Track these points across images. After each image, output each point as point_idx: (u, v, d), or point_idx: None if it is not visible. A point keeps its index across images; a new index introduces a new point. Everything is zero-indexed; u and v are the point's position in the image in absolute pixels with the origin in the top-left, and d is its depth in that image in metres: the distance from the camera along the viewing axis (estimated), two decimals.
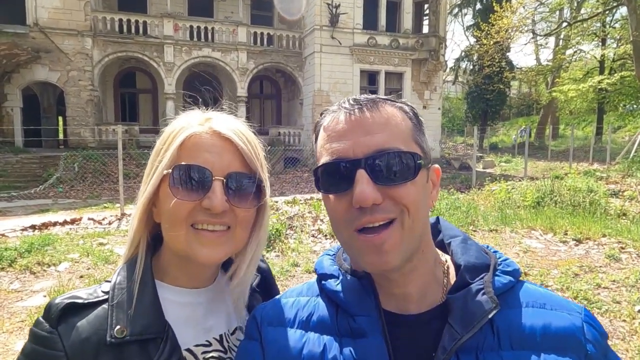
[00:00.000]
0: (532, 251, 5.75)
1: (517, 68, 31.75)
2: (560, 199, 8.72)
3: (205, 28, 20.26)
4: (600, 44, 28.10)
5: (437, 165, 0.76)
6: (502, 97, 29.94)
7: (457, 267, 0.74)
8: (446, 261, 0.78)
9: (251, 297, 0.95)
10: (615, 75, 22.96)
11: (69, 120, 18.55)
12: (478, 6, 31.78)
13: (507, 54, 26.77)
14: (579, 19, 22.96)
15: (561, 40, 30.27)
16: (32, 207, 10.99)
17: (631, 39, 16.73)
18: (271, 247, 6.19)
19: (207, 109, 0.87)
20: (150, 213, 0.85)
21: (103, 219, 8.61)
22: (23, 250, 5.57)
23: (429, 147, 0.73)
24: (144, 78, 22.77)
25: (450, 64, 36.47)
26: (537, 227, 6.82)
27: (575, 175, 13.36)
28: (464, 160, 22.50)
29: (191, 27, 20.09)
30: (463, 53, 35.72)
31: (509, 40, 19.80)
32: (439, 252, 0.79)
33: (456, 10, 37.32)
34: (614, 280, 4.54)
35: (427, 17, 23.48)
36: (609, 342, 0.71)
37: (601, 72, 26.47)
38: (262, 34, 21.19)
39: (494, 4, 18.52)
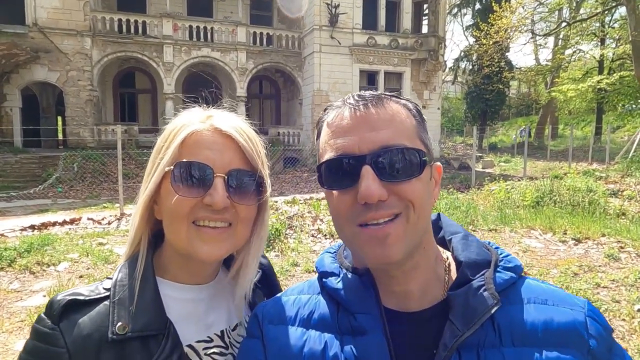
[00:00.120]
0: (531, 251, 5.76)
1: (517, 68, 31.76)
2: (560, 199, 8.74)
3: (205, 28, 20.26)
4: (600, 43, 28.13)
5: (439, 163, 0.76)
6: (502, 97, 29.96)
7: (458, 263, 0.74)
8: (447, 258, 0.78)
9: (252, 292, 0.95)
10: (615, 75, 22.97)
11: (68, 120, 18.53)
12: (477, 6, 31.80)
13: (507, 54, 26.79)
14: (578, 19, 22.99)
15: (560, 40, 30.28)
16: (31, 207, 10.99)
17: (630, 39, 16.74)
18: (271, 247, 6.19)
19: (208, 107, 0.88)
20: (152, 210, 0.85)
21: (102, 219, 8.60)
22: (22, 250, 5.57)
23: (432, 145, 0.73)
24: (143, 78, 22.76)
25: (450, 64, 36.47)
26: (537, 227, 6.83)
27: (575, 175, 13.38)
28: (463, 160, 22.51)
29: (190, 27, 20.08)
30: (462, 53, 35.74)
31: (508, 40, 19.80)
32: (440, 248, 0.79)
33: (455, 10, 37.36)
34: (613, 280, 4.54)
35: (426, 17, 23.49)
36: None
37: (600, 72, 26.49)
38: (261, 34, 21.19)
39: (493, 4, 18.52)
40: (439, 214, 0.87)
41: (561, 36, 28.83)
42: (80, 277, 4.99)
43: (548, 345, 0.64)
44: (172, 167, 0.78)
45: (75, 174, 14.70)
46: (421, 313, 0.71)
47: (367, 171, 0.64)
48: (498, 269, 0.72)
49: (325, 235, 6.94)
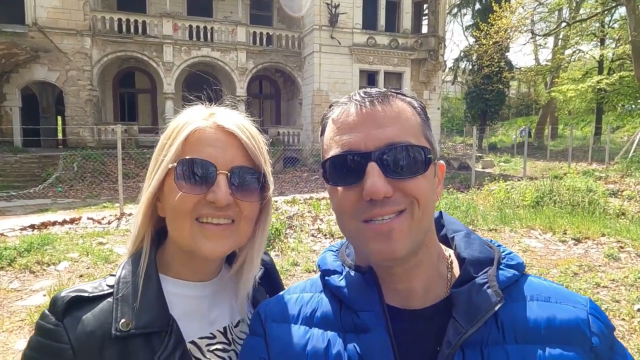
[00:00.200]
0: (531, 250, 5.76)
1: (516, 68, 31.78)
2: (560, 199, 8.74)
3: (205, 28, 20.26)
4: (599, 44, 28.14)
5: (442, 162, 0.77)
6: (501, 97, 29.97)
7: (461, 261, 0.74)
8: (449, 255, 0.78)
9: (255, 289, 0.96)
10: (614, 75, 22.97)
11: (68, 120, 18.53)
12: (477, 6, 31.81)
13: (506, 54, 26.79)
14: (577, 19, 23.00)
15: (560, 41, 30.29)
16: (31, 206, 10.99)
17: (630, 39, 16.76)
18: (271, 247, 6.20)
19: (211, 105, 0.88)
20: (155, 208, 0.85)
21: (102, 219, 8.60)
22: (22, 250, 5.57)
23: (436, 143, 0.74)
24: (143, 78, 22.76)
25: (450, 64, 36.50)
26: (537, 227, 6.83)
27: (574, 175, 13.38)
28: (463, 160, 22.51)
29: (190, 26, 20.08)
30: (462, 53, 35.76)
31: (508, 40, 19.81)
32: (442, 246, 0.79)
33: (455, 10, 37.38)
34: (613, 279, 4.55)
35: (426, 17, 23.49)
36: None
37: (600, 72, 26.49)
38: (261, 33, 21.19)
39: (493, 4, 18.53)
40: (440, 212, 0.87)
41: (561, 36, 28.84)
42: (81, 276, 4.99)
43: (551, 343, 0.64)
44: (175, 164, 0.79)
45: (75, 173, 14.69)
46: (424, 310, 0.71)
47: (372, 168, 0.65)
48: (501, 267, 0.72)
49: (325, 235, 6.94)
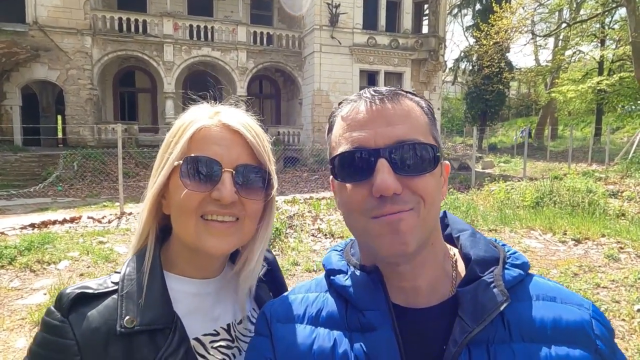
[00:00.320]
0: (531, 251, 5.77)
1: (517, 69, 31.79)
2: (560, 199, 8.75)
3: (205, 27, 20.26)
4: (600, 45, 28.13)
5: (447, 162, 0.77)
6: (501, 98, 29.98)
7: (466, 260, 0.74)
8: (454, 254, 0.78)
9: (258, 287, 0.96)
10: (614, 76, 22.97)
11: (68, 119, 18.53)
12: (478, 7, 31.83)
13: (507, 54, 26.81)
14: (578, 19, 23.01)
15: (560, 41, 30.32)
16: (31, 205, 10.99)
17: (630, 40, 16.77)
18: (271, 246, 6.20)
19: (215, 103, 0.89)
20: (160, 205, 0.86)
21: (103, 218, 8.60)
22: (23, 249, 5.57)
23: (442, 143, 0.74)
24: (143, 77, 22.76)
25: (450, 64, 36.51)
26: (537, 227, 6.84)
27: (574, 175, 13.38)
28: (463, 160, 22.52)
29: (191, 26, 20.08)
30: (462, 53, 35.76)
31: (509, 40, 19.82)
32: (447, 245, 0.80)
33: (456, 10, 37.39)
34: (613, 280, 4.55)
35: (426, 18, 23.50)
36: None
37: (600, 73, 26.48)
38: (261, 33, 21.19)
39: (494, 5, 18.54)
40: (444, 212, 0.87)
41: (561, 37, 28.86)
42: (81, 275, 5.00)
43: (557, 342, 0.65)
44: (180, 161, 0.79)
45: (75, 172, 14.69)
46: (430, 309, 0.71)
47: (382, 164, 0.65)
48: (506, 266, 0.72)
49: (326, 234, 6.94)
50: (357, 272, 0.75)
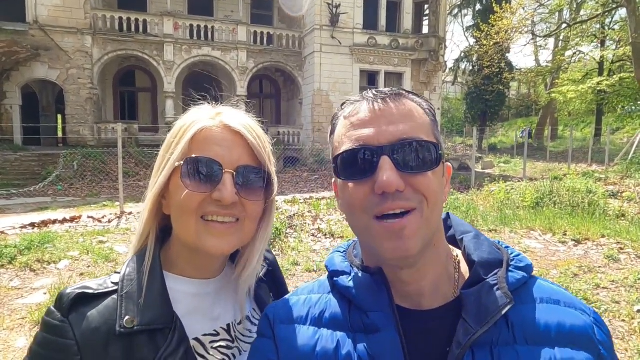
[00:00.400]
0: (531, 251, 5.77)
1: (517, 69, 31.77)
2: (560, 200, 8.75)
3: (205, 27, 20.26)
4: (600, 45, 28.13)
5: (449, 164, 0.77)
6: (502, 98, 29.98)
7: (470, 262, 0.74)
8: (457, 256, 0.78)
9: (258, 287, 0.97)
10: (614, 76, 22.99)
11: (68, 119, 18.53)
12: (478, 7, 31.83)
13: (507, 55, 26.80)
14: (578, 20, 23.03)
15: (560, 42, 30.32)
16: (31, 205, 10.99)
17: (630, 41, 16.77)
18: (271, 246, 6.20)
19: (217, 104, 0.89)
20: (160, 205, 0.86)
21: (103, 217, 8.60)
22: (23, 248, 5.57)
23: (443, 144, 0.74)
24: (143, 77, 22.76)
25: (450, 64, 36.51)
26: (537, 228, 6.84)
27: (574, 176, 13.39)
28: (463, 160, 22.52)
29: (191, 25, 20.08)
30: (463, 54, 35.78)
31: (509, 41, 19.82)
32: (450, 247, 0.80)
33: (456, 10, 37.40)
34: (613, 281, 4.55)
35: (427, 18, 23.51)
36: None
37: (600, 74, 26.49)
38: (262, 33, 21.19)
39: (494, 5, 18.54)
40: (448, 213, 0.87)
41: (561, 38, 28.87)
42: (81, 274, 5.00)
43: (561, 345, 0.65)
44: (182, 162, 0.79)
45: (75, 172, 14.69)
46: (433, 311, 0.71)
47: (385, 161, 0.65)
48: (510, 269, 0.72)
49: (326, 234, 6.94)
50: (361, 274, 0.75)
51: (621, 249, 5.66)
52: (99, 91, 19.49)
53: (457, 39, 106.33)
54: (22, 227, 7.56)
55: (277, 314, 0.80)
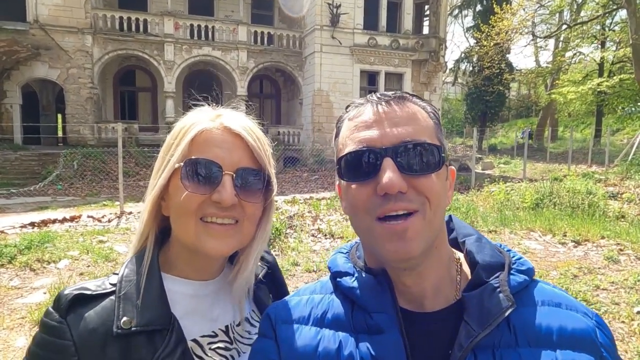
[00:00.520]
0: (531, 252, 5.77)
1: (517, 70, 31.81)
2: (559, 201, 8.75)
3: (206, 27, 20.26)
4: (600, 46, 28.14)
5: (453, 167, 0.77)
6: (502, 99, 29.99)
7: (472, 265, 0.74)
8: (459, 258, 0.78)
9: (257, 288, 0.97)
10: (615, 78, 23.00)
11: (69, 118, 18.53)
12: (478, 8, 31.86)
13: (507, 55, 26.81)
14: (578, 21, 23.04)
15: (561, 43, 30.33)
16: (31, 204, 10.98)
17: (631, 42, 16.76)
18: (271, 246, 6.19)
19: (217, 106, 0.89)
20: (159, 207, 0.86)
21: (102, 217, 8.60)
22: (23, 247, 5.57)
23: (447, 147, 0.75)
24: (143, 76, 22.76)
25: (450, 65, 36.55)
26: (536, 229, 6.84)
27: (574, 177, 13.38)
28: (463, 161, 22.51)
29: (191, 25, 20.08)
30: (463, 54, 35.80)
31: (509, 42, 19.82)
32: (452, 249, 0.80)
33: (456, 11, 37.44)
34: (612, 282, 4.55)
35: (427, 18, 23.51)
36: None
37: (600, 75, 26.50)
38: (262, 33, 21.19)
39: (494, 6, 18.55)
40: (450, 216, 0.88)
41: (562, 38, 28.86)
42: (81, 274, 5.00)
43: (563, 347, 0.65)
44: (181, 164, 0.79)
45: (75, 171, 14.69)
46: (435, 313, 0.72)
47: (388, 163, 0.66)
48: (512, 272, 0.73)
49: (326, 235, 6.94)
50: (364, 275, 0.76)
51: (621, 250, 5.66)
52: (99, 91, 19.49)
53: (457, 39, 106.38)
54: (22, 227, 7.55)
55: (278, 314, 0.80)
